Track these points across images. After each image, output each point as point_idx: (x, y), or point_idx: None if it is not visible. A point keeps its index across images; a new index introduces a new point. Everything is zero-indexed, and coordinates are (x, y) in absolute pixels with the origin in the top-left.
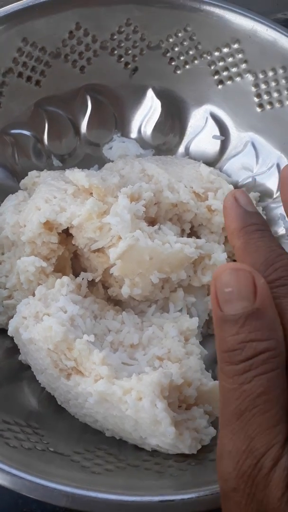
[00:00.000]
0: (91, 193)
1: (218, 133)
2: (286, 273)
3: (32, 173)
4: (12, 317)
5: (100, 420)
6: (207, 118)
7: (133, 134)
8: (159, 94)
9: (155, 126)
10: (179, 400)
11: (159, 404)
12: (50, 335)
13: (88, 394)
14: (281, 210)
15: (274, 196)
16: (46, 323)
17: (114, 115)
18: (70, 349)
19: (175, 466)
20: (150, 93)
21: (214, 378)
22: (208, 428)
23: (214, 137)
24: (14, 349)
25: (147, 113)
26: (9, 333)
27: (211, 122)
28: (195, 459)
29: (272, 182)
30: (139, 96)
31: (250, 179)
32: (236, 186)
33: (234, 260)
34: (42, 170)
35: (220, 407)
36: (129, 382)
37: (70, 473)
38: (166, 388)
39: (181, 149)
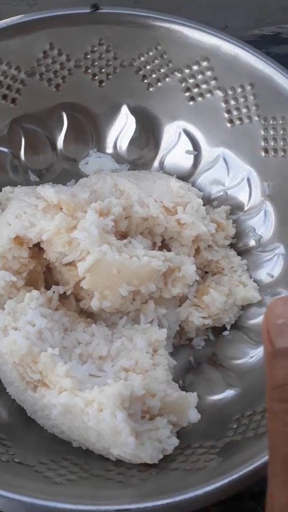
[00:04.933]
0: (61, 209)
1: (191, 148)
2: None
3: (6, 189)
4: None
5: (66, 431)
6: (180, 133)
7: (109, 150)
8: (133, 111)
9: (130, 142)
10: (142, 410)
11: (119, 415)
12: (15, 349)
13: (52, 406)
14: (251, 223)
15: (245, 209)
16: (12, 337)
17: (90, 132)
18: (35, 362)
19: (137, 476)
20: (124, 110)
21: (183, 388)
22: (171, 438)
23: (187, 152)
24: None
25: (122, 129)
26: None
27: (184, 137)
28: (156, 468)
29: (243, 196)
30: (114, 112)
31: (222, 193)
32: (208, 199)
33: (206, 272)
34: (18, 185)
35: (270, 453)
36: (90, 393)
37: (31, 483)
38: (126, 399)
39: (156, 163)
